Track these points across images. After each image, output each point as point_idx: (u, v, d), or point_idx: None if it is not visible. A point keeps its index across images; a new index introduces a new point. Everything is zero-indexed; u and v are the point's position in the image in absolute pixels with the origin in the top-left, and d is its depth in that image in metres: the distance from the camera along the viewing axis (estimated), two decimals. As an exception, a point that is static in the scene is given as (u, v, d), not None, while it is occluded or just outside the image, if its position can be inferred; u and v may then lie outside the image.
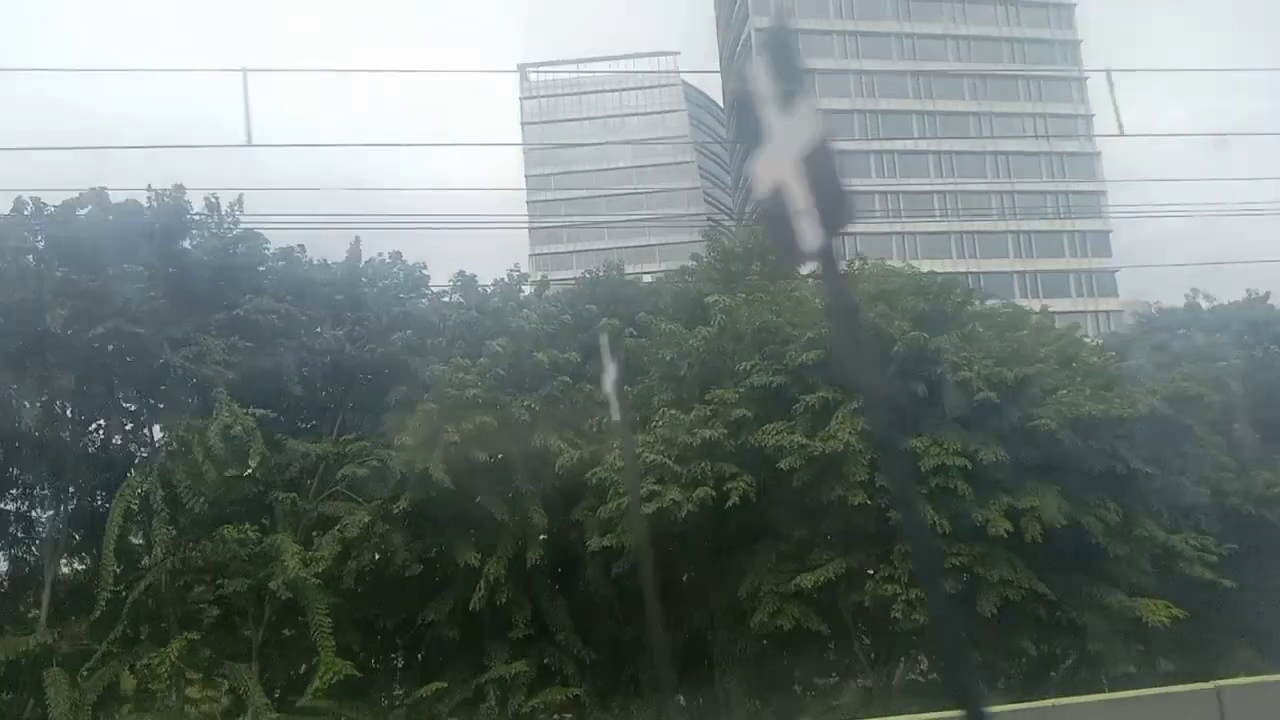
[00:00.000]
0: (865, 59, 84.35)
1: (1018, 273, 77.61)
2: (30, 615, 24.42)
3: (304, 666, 24.39)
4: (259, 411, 21.34)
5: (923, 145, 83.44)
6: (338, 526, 21.49)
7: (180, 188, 21.84)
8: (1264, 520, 21.82)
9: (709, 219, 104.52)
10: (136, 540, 23.60)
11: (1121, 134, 22.22)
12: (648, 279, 30.89)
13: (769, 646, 23.85)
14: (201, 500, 21.54)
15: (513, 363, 22.04)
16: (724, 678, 25.11)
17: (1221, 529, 21.20)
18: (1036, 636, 20.47)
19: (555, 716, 23.20)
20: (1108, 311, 79.03)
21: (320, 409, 24.03)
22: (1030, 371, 18.48)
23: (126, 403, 24.24)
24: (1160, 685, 17.38)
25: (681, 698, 25.95)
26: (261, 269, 23.83)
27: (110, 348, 22.35)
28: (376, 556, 22.39)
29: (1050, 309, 28.27)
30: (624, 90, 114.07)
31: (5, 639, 21.80)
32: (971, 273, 67.27)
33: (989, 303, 23.16)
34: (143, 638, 22.78)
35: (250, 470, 22.38)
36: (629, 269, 27.94)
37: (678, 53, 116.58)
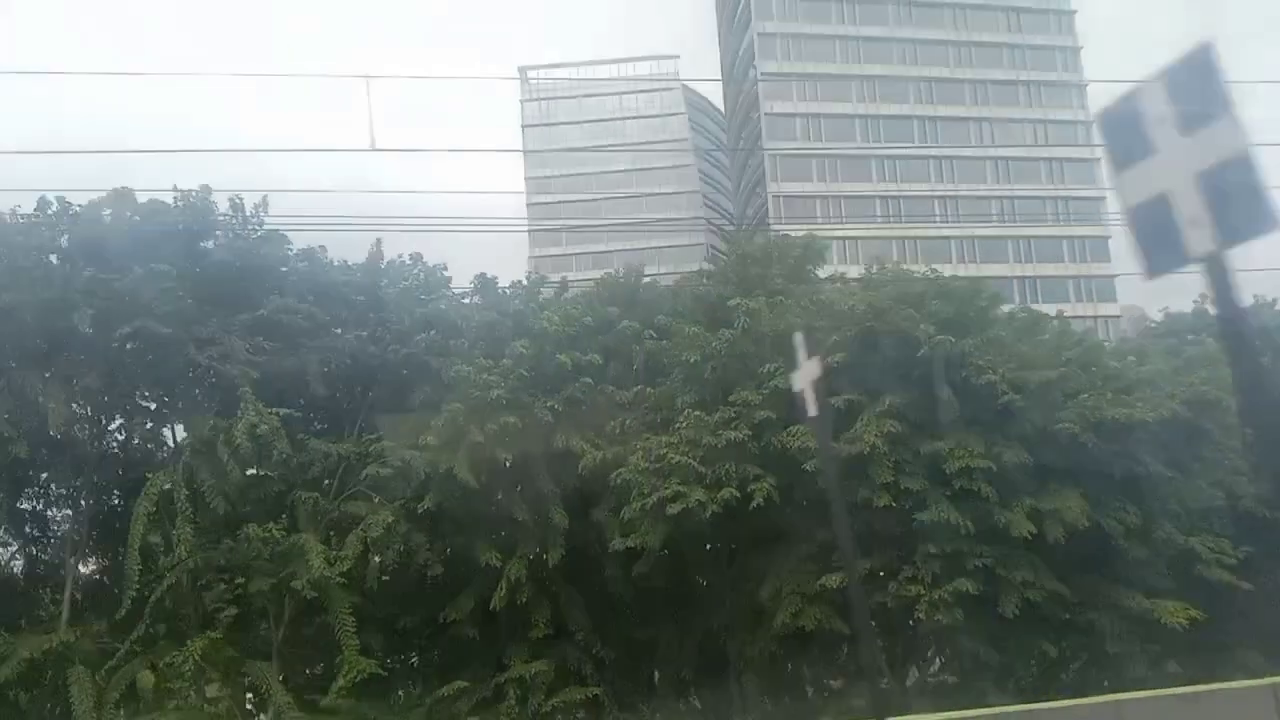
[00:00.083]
0: (867, 64, 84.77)
1: (1018, 278, 77.91)
2: (48, 614, 24.51)
3: (321, 665, 24.52)
4: (283, 411, 21.47)
5: (924, 150, 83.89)
6: (361, 526, 21.59)
7: (206, 188, 21.99)
8: (1277, 524, 22.03)
9: (709, 223, 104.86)
10: (153, 539, 23.68)
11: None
12: (646, 281, 31.06)
13: (783, 648, 24.00)
14: (224, 499, 21.64)
15: (535, 364, 22.18)
16: (740, 678, 25.30)
17: (1235, 532, 21.45)
18: (1055, 638, 20.65)
19: (574, 716, 23.32)
20: (1107, 317, 79.48)
21: (340, 409, 24.14)
22: (1053, 375, 18.71)
23: (147, 402, 24.34)
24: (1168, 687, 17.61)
25: (697, 699, 26.13)
26: (283, 269, 23.94)
27: (130, 346, 22.49)
28: (398, 556, 22.46)
29: (1064, 314, 28.40)
30: (624, 94, 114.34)
31: (27, 637, 21.87)
32: (971, 277, 67.39)
33: (1004, 308, 23.39)
34: (161, 637, 22.85)
35: (270, 470, 22.56)
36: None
37: (677, 56, 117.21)
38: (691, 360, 21.01)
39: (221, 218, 22.96)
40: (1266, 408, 3.74)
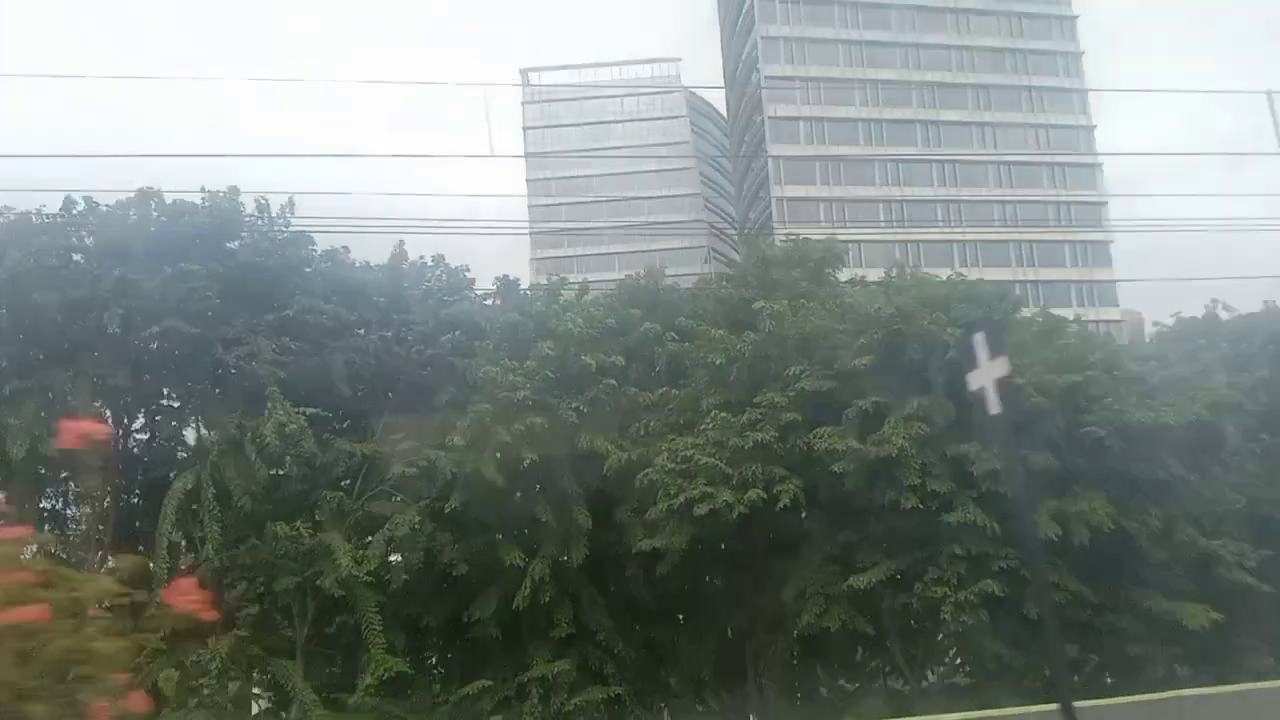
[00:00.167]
0: (870, 68, 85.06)
1: (1019, 282, 78.19)
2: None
3: (341, 663, 24.61)
4: (309, 410, 21.57)
5: (926, 154, 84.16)
6: (387, 525, 21.70)
7: (234, 189, 22.10)
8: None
9: (711, 227, 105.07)
10: (175, 538, 23.73)
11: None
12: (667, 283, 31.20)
13: (803, 649, 24.14)
14: (250, 498, 21.72)
15: (559, 365, 22.31)
16: (759, 679, 25.45)
17: (1253, 535, 21.67)
18: (1076, 639, 20.81)
19: (596, 715, 23.43)
20: (1108, 322, 79.72)
21: (362, 408, 24.24)
22: (1079, 379, 18.89)
23: (170, 401, 24.44)
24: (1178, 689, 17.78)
25: (714, 700, 26.26)
26: (307, 270, 24.05)
27: (154, 346, 22.59)
28: (422, 556, 22.55)
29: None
30: (625, 96, 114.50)
31: (52, 635, 21.92)
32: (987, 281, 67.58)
33: (1025, 312, 23.60)
34: (184, 636, 22.90)
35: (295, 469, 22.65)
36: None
37: (679, 59, 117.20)
38: (717, 362, 21.16)
39: (247, 218, 23.06)
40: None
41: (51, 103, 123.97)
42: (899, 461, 18.65)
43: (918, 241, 76.86)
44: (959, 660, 24.32)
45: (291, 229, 23.19)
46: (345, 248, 24.73)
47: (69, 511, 26.79)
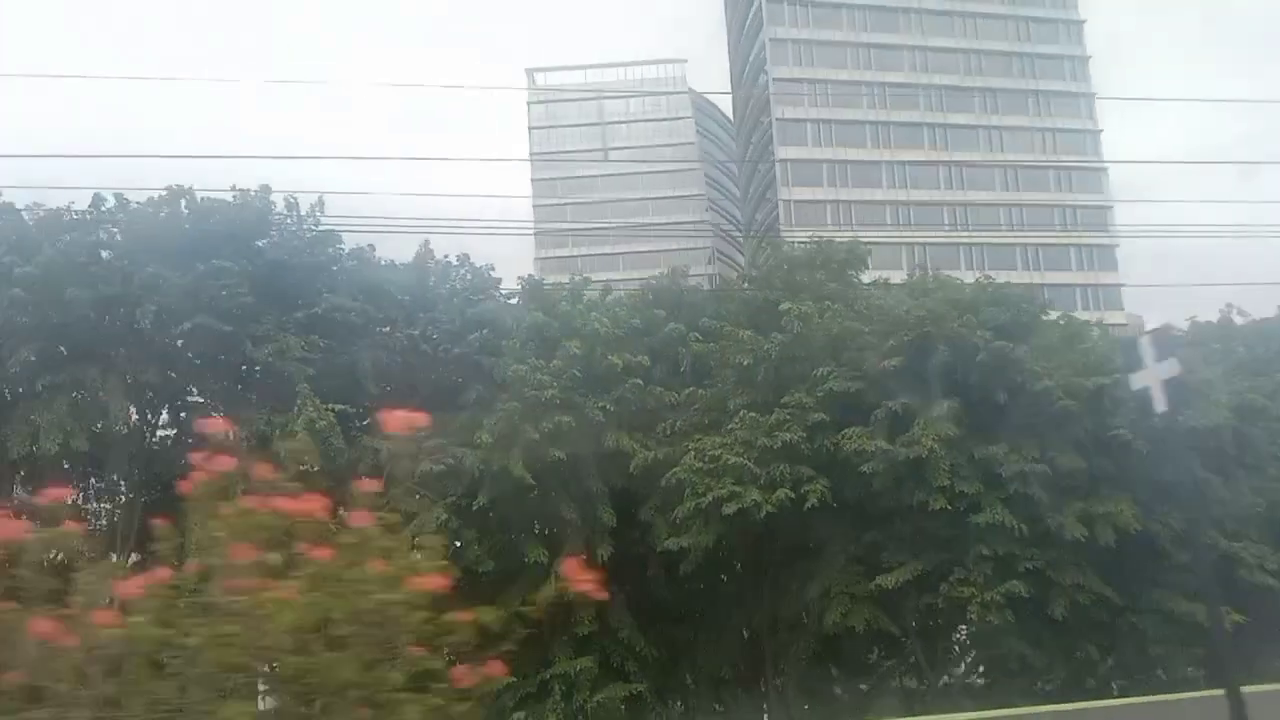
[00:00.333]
0: (878, 71, 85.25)
1: (1025, 285, 78.35)
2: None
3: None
4: (337, 407, 21.75)
5: (933, 157, 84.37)
6: (414, 523, 21.82)
7: (266, 188, 22.26)
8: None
9: (717, 229, 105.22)
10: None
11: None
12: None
13: (826, 648, 24.29)
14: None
15: (585, 365, 22.47)
16: (778, 677, 25.62)
17: (1273, 538, 21.83)
18: (1098, 640, 20.99)
19: (618, 712, 23.57)
20: (1113, 325, 79.91)
21: (388, 405, 24.37)
22: (1107, 381, 19.04)
23: (195, 397, 24.59)
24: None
25: (733, 698, 26.41)
26: (334, 268, 24.21)
27: (179, 343, 22.76)
28: (447, 552, 22.71)
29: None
30: (630, 97, 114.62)
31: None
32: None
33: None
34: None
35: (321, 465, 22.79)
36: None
37: (685, 60, 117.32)
38: (745, 363, 21.31)
39: (275, 217, 23.23)
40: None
41: (51, 102, 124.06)
42: (928, 463, 18.81)
43: (924, 244, 77.03)
44: (974, 660, 24.51)
45: (320, 228, 23.32)
46: (371, 246, 24.91)
47: (90, 507, 26.98)
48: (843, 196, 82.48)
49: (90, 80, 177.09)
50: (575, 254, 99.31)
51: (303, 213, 23.38)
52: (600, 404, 22.01)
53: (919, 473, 19.08)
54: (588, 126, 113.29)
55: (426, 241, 25.21)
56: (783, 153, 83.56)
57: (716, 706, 26.15)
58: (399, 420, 3.49)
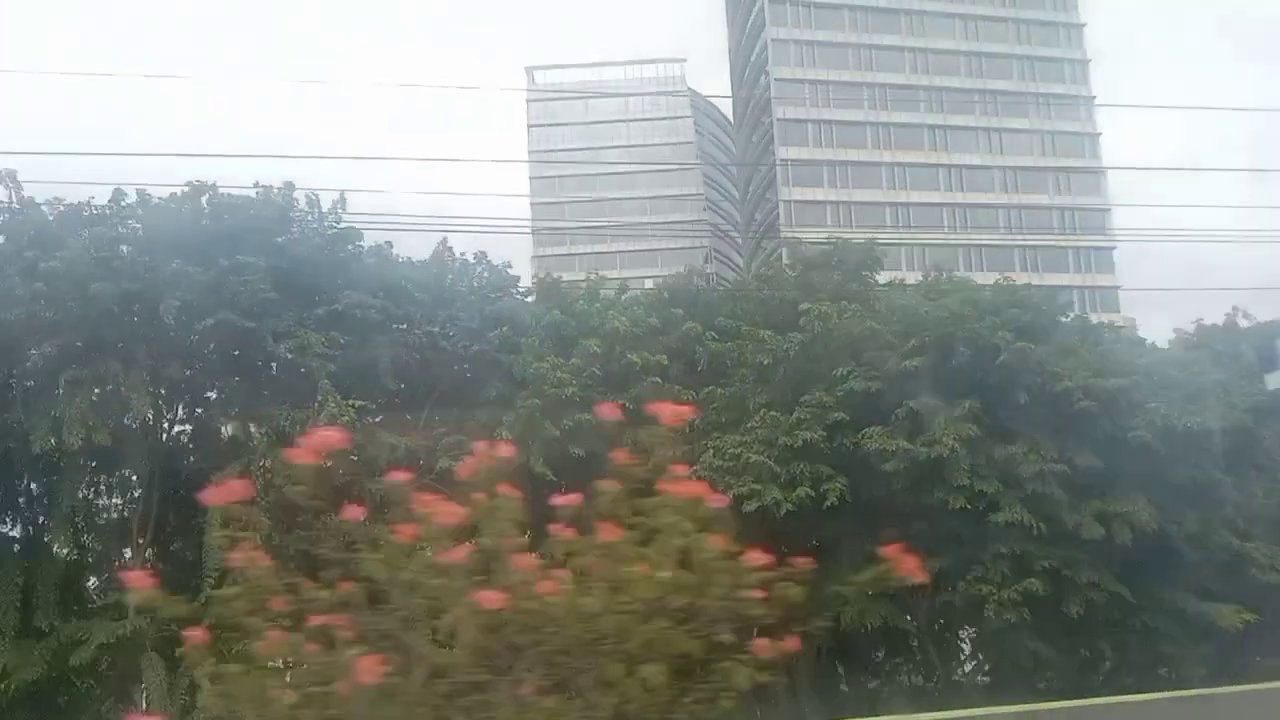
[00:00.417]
0: (879, 72, 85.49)
1: (1035, 288, 78.69)
2: (112, 601, 24.75)
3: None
4: (357, 403, 21.83)
5: (933, 158, 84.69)
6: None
7: (290, 184, 22.33)
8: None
9: (716, 228, 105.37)
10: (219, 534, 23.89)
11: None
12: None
13: (830, 646, 24.47)
14: (298, 489, 21.91)
15: (604, 363, 22.62)
16: (788, 674, 25.77)
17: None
18: (1111, 637, 21.22)
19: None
20: (1110, 327, 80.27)
21: (407, 402, 24.49)
22: (1125, 383, 19.28)
23: (217, 393, 24.63)
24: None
25: (740, 695, 26.57)
26: (354, 266, 24.29)
27: (196, 339, 22.79)
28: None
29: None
30: (630, 96, 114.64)
31: (101, 623, 22.15)
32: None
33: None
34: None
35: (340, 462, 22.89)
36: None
37: (684, 59, 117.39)
38: (764, 362, 21.48)
39: (296, 213, 23.30)
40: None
41: (51, 102, 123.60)
42: (949, 462, 19.02)
43: (923, 245, 77.35)
44: (981, 658, 24.73)
45: (342, 225, 23.40)
46: (389, 243, 25.00)
47: (104, 501, 26.99)
48: (843, 197, 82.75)
49: (90, 80, 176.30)
50: (572, 252, 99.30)
51: (324, 210, 23.42)
52: (620, 402, 22.13)
53: (939, 472, 19.30)
54: (587, 125, 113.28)
55: (445, 239, 25.34)
56: (783, 153, 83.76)
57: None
58: (668, 412, 3.65)
